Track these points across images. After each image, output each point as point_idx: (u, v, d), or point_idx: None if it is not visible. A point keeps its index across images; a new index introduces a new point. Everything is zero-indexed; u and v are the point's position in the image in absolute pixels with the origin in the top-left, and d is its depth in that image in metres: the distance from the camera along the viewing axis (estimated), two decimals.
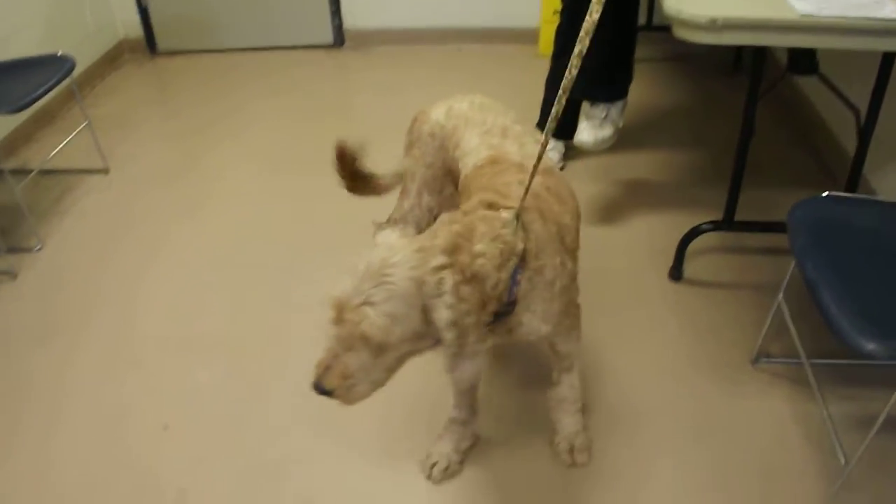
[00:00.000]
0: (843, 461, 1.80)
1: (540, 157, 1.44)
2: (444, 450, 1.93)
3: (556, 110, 1.38)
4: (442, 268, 1.27)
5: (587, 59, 1.34)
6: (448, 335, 1.28)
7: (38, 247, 2.94)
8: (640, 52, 2.72)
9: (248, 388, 2.24)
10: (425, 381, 1.96)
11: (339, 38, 4.54)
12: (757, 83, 2.26)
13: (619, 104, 2.70)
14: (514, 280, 1.41)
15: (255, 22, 4.52)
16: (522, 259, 1.43)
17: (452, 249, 1.30)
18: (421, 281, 1.26)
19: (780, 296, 2.07)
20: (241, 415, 2.15)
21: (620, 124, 2.73)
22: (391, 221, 2.26)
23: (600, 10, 1.31)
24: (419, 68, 4.22)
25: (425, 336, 1.31)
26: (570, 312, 1.69)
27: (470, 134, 1.85)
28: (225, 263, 2.79)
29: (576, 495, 1.87)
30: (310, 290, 2.54)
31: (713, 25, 1.85)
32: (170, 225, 3.03)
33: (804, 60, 2.40)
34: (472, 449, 1.98)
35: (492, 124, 1.84)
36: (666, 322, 2.36)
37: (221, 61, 4.49)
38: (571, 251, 1.61)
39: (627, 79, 2.71)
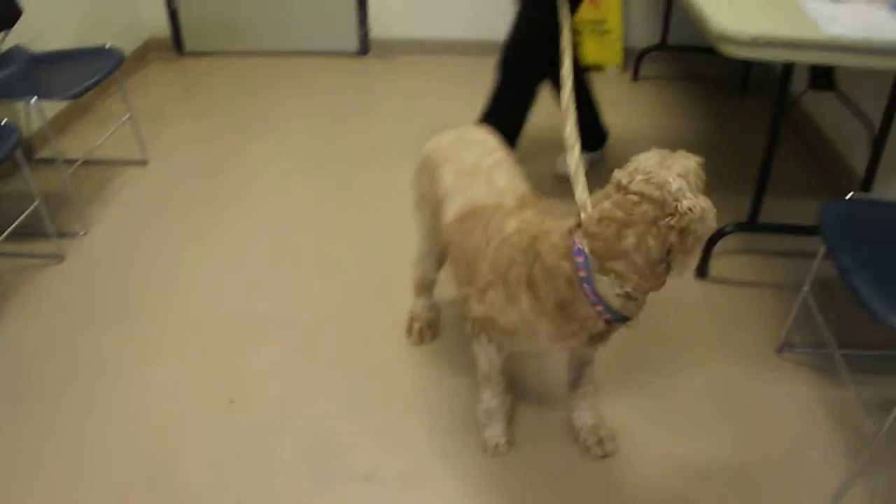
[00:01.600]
0: (872, 429, 2.02)
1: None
2: (497, 431, 2.02)
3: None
4: None
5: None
6: None
7: (83, 232, 3.05)
8: (654, 70, 2.89)
9: (308, 365, 2.37)
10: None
11: (364, 46, 4.64)
12: (784, 96, 2.47)
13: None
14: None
15: (282, 27, 4.64)
16: None
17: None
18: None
19: (807, 288, 2.25)
20: (301, 392, 2.27)
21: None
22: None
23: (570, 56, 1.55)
24: (442, 79, 4.37)
25: None
26: None
27: (446, 173, 1.94)
28: (261, 249, 2.92)
29: (605, 482, 2.00)
30: (347, 270, 2.73)
31: (755, 42, 2.07)
32: (208, 214, 3.15)
33: (825, 77, 2.62)
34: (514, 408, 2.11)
35: (463, 162, 1.93)
36: (692, 316, 2.53)
37: (246, 63, 4.62)
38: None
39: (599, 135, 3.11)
